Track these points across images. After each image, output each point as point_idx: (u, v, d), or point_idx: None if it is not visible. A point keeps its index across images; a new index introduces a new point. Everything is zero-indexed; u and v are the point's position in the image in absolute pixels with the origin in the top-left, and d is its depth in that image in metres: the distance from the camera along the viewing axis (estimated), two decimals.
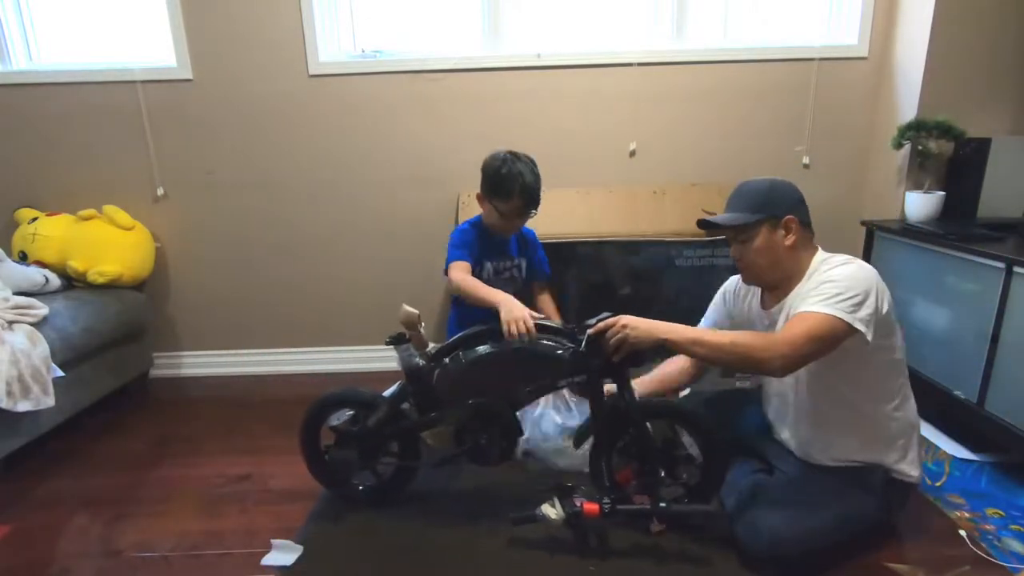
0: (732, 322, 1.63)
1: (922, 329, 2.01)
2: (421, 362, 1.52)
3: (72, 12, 2.46)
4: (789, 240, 1.38)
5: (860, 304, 1.25)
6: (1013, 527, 1.53)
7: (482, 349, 1.48)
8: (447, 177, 2.49)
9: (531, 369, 1.49)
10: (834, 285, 1.28)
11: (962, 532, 1.51)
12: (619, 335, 1.36)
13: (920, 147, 2.16)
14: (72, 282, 2.30)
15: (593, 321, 1.40)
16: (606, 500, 1.39)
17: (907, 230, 2.10)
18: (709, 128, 2.47)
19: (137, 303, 2.43)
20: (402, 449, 1.61)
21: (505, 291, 1.63)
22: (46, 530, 1.63)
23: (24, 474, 1.88)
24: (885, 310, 1.30)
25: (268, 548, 1.50)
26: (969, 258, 1.80)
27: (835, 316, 1.24)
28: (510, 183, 1.73)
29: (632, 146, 2.49)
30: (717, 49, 2.41)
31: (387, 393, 1.60)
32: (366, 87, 2.42)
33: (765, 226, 1.38)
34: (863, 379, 1.37)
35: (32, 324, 1.90)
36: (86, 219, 2.35)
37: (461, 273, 1.75)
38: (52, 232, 2.31)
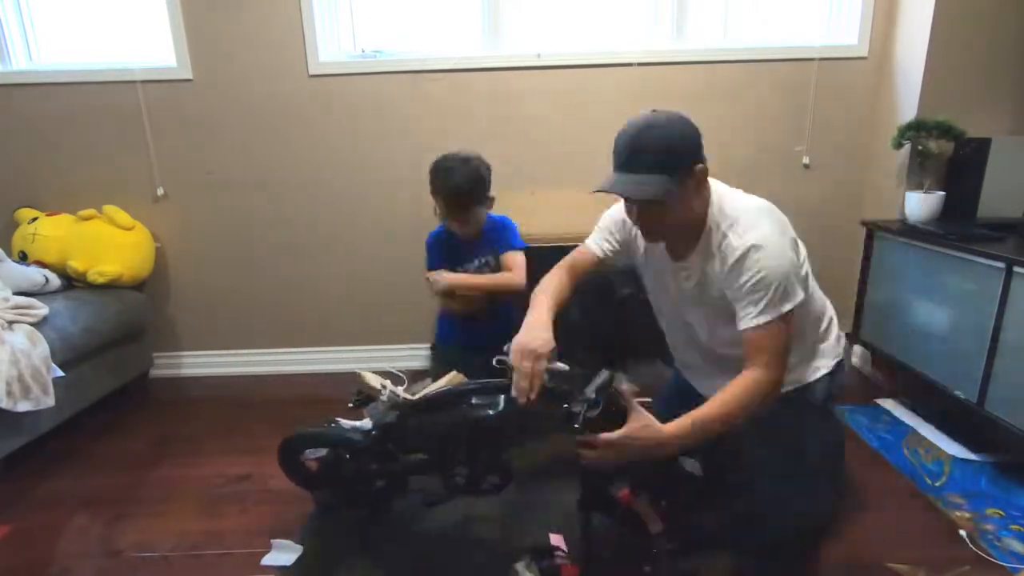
0: (627, 259, 1.52)
1: (922, 329, 2.01)
2: (391, 419, 1.40)
3: (72, 12, 2.46)
4: (698, 189, 1.28)
5: (793, 287, 1.24)
6: (1013, 527, 1.53)
7: (463, 417, 1.32)
8: None
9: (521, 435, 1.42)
10: (765, 283, 1.21)
11: (962, 532, 1.51)
12: (602, 458, 1.16)
13: (920, 147, 2.16)
14: (72, 282, 2.30)
15: (592, 389, 1.15)
16: (593, 555, 1.30)
17: (907, 230, 2.10)
18: (709, 128, 2.43)
19: (137, 303, 2.43)
20: (388, 483, 1.52)
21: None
22: (46, 530, 1.63)
23: (24, 474, 1.88)
24: (801, 250, 1.33)
25: (268, 548, 1.50)
26: (969, 258, 1.80)
27: (781, 316, 1.22)
28: (436, 181, 1.78)
29: None
30: (717, 49, 2.41)
31: (358, 424, 1.47)
32: (366, 87, 2.42)
33: (678, 187, 1.23)
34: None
35: (32, 324, 1.90)
36: (86, 219, 2.35)
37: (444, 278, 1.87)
38: (52, 232, 2.31)
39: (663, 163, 1.22)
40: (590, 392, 1.15)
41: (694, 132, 1.29)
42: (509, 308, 1.87)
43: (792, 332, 1.25)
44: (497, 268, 1.94)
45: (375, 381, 1.36)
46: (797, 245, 1.30)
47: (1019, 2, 2.12)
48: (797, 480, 1.28)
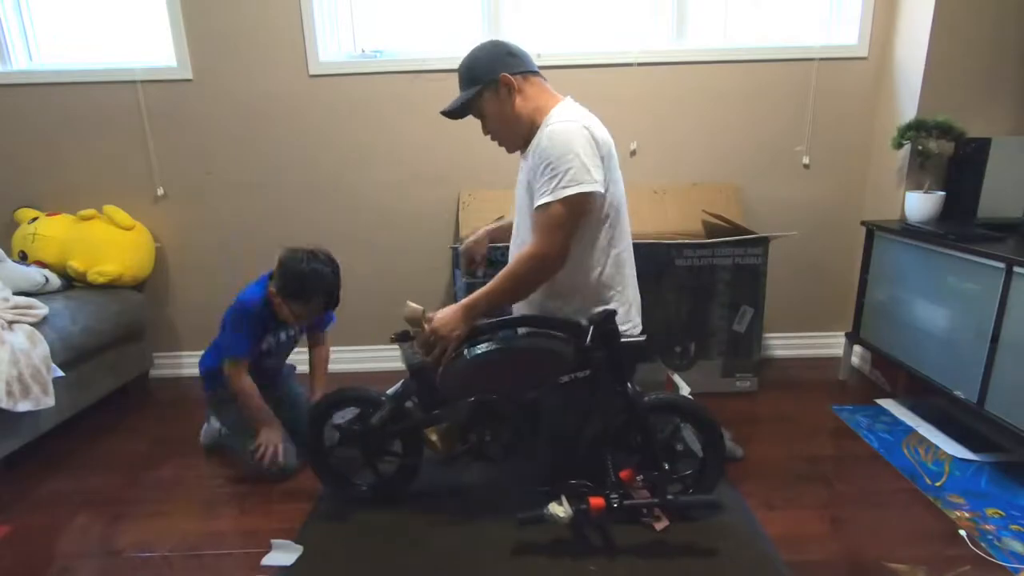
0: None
1: (922, 329, 2.01)
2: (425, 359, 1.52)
3: (72, 12, 2.46)
4: (514, 96, 1.41)
5: (579, 173, 1.31)
6: (1013, 527, 1.53)
7: (484, 346, 1.48)
8: (448, 177, 2.49)
9: (534, 365, 1.49)
10: (545, 164, 1.33)
11: (962, 532, 1.51)
12: (432, 341, 1.41)
13: (920, 147, 2.16)
14: (72, 282, 2.30)
15: (598, 311, 1.41)
16: (613, 495, 1.39)
17: (907, 230, 2.10)
18: (709, 128, 2.48)
19: (137, 303, 2.43)
20: (405, 447, 1.61)
21: (278, 358, 1.94)
22: (46, 530, 1.63)
23: (24, 474, 1.88)
24: (601, 151, 1.39)
25: (268, 548, 1.50)
26: (969, 258, 1.80)
27: (562, 200, 1.31)
28: (311, 284, 1.73)
29: (632, 146, 2.49)
30: (717, 49, 2.41)
31: (390, 392, 1.60)
32: (366, 87, 2.42)
33: (485, 95, 1.42)
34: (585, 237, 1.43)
35: (32, 324, 1.89)
36: (86, 219, 2.35)
37: (244, 380, 1.78)
38: (52, 232, 2.31)
39: (470, 79, 1.45)
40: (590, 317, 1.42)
41: (497, 49, 1.45)
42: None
43: (574, 219, 1.34)
44: (295, 339, 1.99)
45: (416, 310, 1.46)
46: (594, 140, 1.38)
47: (1019, 2, 2.12)
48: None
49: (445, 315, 1.40)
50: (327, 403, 1.64)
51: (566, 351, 1.44)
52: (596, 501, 1.39)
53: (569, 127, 1.36)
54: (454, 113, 1.49)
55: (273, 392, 1.94)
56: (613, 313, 1.41)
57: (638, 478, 1.47)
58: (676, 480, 1.50)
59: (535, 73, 1.46)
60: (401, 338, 1.52)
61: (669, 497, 1.41)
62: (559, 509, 1.39)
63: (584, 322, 1.42)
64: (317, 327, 2.02)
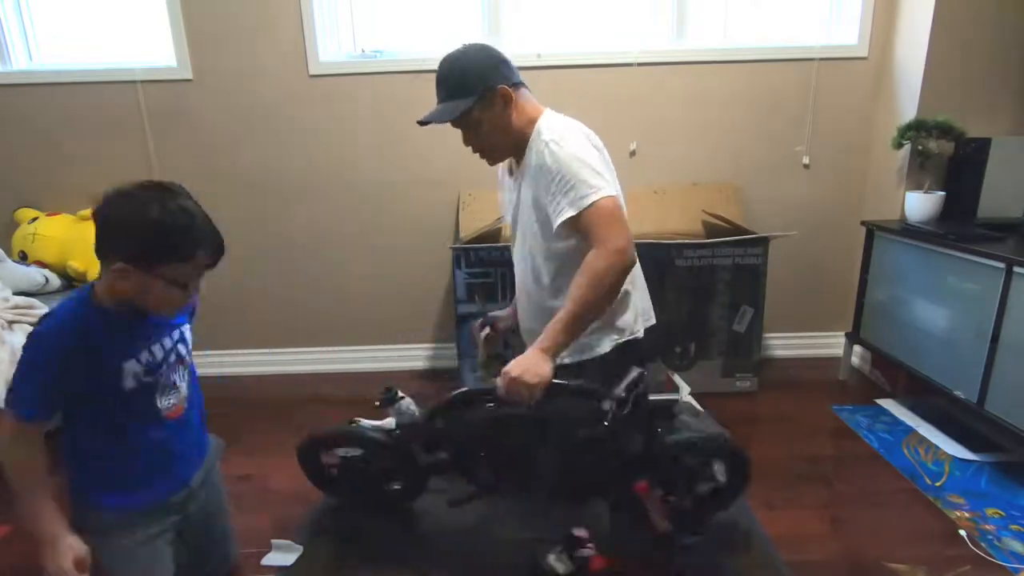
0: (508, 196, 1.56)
1: (922, 329, 2.01)
2: (418, 414, 1.35)
3: (72, 12, 2.46)
4: (508, 109, 1.33)
5: (595, 174, 1.25)
6: (1013, 527, 1.53)
7: (480, 419, 1.31)
8: (448, 176, 2.49)
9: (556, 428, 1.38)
10: (561, 177, 1.25)
11: (962, 532, 1.51)
12: (514, 393, 1.19)
13: (920, 147, 2.16)
14: (72, 282, 2.30)
15: (622, 388, 1.16)
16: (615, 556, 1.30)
17: (907, 230, 2.10)
18: (709, 128, 2.47)
19: None
20: (406, 484, 1.52)
21: (176, 390, 1.13)
22: None
23: None
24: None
25: (268, 548, 1.50)
26: (969, 258, 1.80)
27: (594, 204, 1.22)
28: (188, 229, 1.08)
29: (632, 146, 2.49)
30: (717, 49, 2.41)
31: (380, 424, 1.40)
32: (366, 87, 2.42)
33: (479, 107, 1.32)
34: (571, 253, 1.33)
35: (32, 324, 1.89)
36: (86, 219, 2.35)
37: (22, 449, 0.99)
38: (52, 232, 2.31)
39: (461, 88, 1.33)
40: (620, 391, 1.15)
41: (490, 58, 1.34)
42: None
43: (616, 208, 1.26)
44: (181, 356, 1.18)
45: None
46: (591, 144, 1.32)
47: (1019, 2, 2.12)
48: None
49: (524, 363, 1.20)
50: (311, 443, 1.43)
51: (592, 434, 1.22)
52: (597, 562, 1.25)
53: (569, 137, 1.30)
54: (435, 119, 1.40)
55: (174, 491, 1.17)
56: (642, 373, 1.20)
57: (653, 494, 1.40)
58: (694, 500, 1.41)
59: (522, 83, 1.39)
60: (390, 400, 1.34)
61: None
62: (559, 565, 1.25)
63: (608, 399, 1.18)
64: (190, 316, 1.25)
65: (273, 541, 1.50)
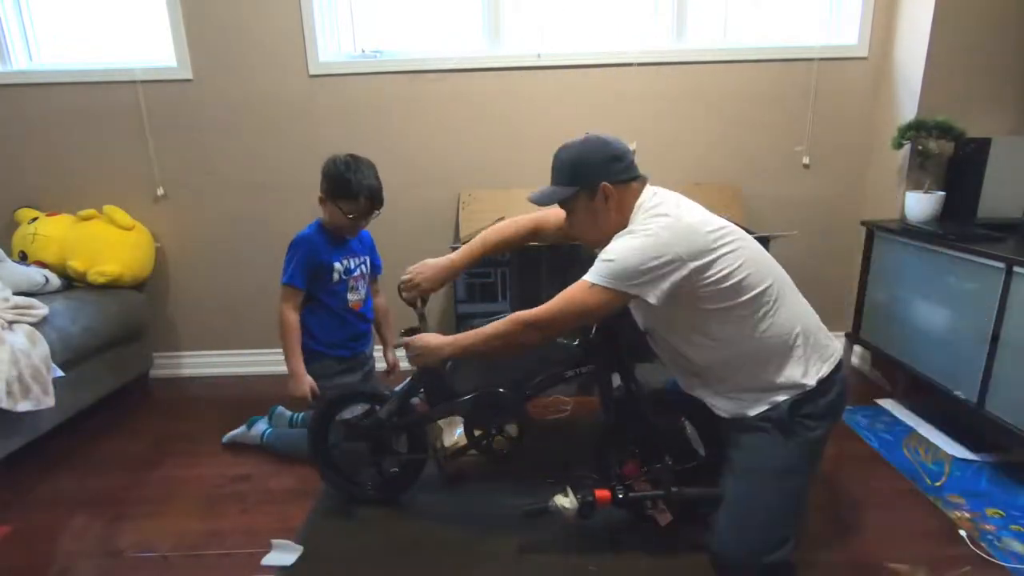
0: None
1: (922, 329, 2.01)
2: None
3: (72, 12, 2.46)
4: (610, 204, 1.37)
5: (630, 275, 1.27)
6: (1013, 527, 1.53)
7: None
8: (447, 176, 2.49)
9: (539, 359, 1.50)
10: (609, 254, 1.31)
11: (962, 532, 1.51)
12: (411, 356, 1.50)
13: (920, 147, 2.16)
14: (72, 282, 2.30)
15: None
16: (619, 486, 1.39)
17: (907, 230, 2.10)
18: (709, 128, 2.47)
19: (137, 303, 2.43)
20: (411, 443, 1.62)
21: (357, 291, 1.90)
22: (46, 530, 1.63)
23: (24, 474, 1.88)
24: (692, 271, 1.27)
25: (268, 548, 1.50)
26: (969, 258, 1.80)
27: (592, 285, 1.29)
28: (356, 185, 1.77)
29: (632, 146, 2.46)
30: (717, 49, 2.41)
31: (398, 388, 1.63)
32: (366, 87, 2.42)
33: (581, 197, 1.38)
34: (712, 330, 1.34)
35: (32, 324, 1.89)
36: (86, 219, 2.35)
37: (289, 313, 1.81)
38: (52, 232, 2.31)
39: (567, 177, 1.39)
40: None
41: (601, 152, 1.39)
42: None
43: (594, 309, 1.30)
44: (370, 271, 1.99)
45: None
46: (678, 257, 1.26)
47: (1019, 2, 2.12)
48: (751, 515, 1.32)
49: (431, 340, 1.48)
50: (334, 398, 1.65)
51: (569, 345, 1.46)
52: (602, 493, 1.39)
53: (649, 245, 1.28)
54: (537, 201, 1.45)
55: (355, 354, 1.93)
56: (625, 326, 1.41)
57: (643, 470, 1.47)
58: (677, 475, 1.50)
59: (635, 178, 1.40)
60: (410, 333, 1.54)
61: (674, 489, 1.41)
62: (564, 501, 1.39)
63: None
64: (376, 266, 2.02)
65: (273, 541, 1.51)
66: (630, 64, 2.39)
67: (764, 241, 2.16)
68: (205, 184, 2.52)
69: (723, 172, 2.50)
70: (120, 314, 2.29)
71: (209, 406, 2.40)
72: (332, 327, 1.87)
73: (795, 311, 1.38)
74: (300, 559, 1.46)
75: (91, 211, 2.36)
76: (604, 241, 1.39)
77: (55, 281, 2.22)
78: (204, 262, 2.59)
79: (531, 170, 2.50)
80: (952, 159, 2.19)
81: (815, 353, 1.37)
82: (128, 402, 2.40)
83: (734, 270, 1.28)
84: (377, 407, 1.61)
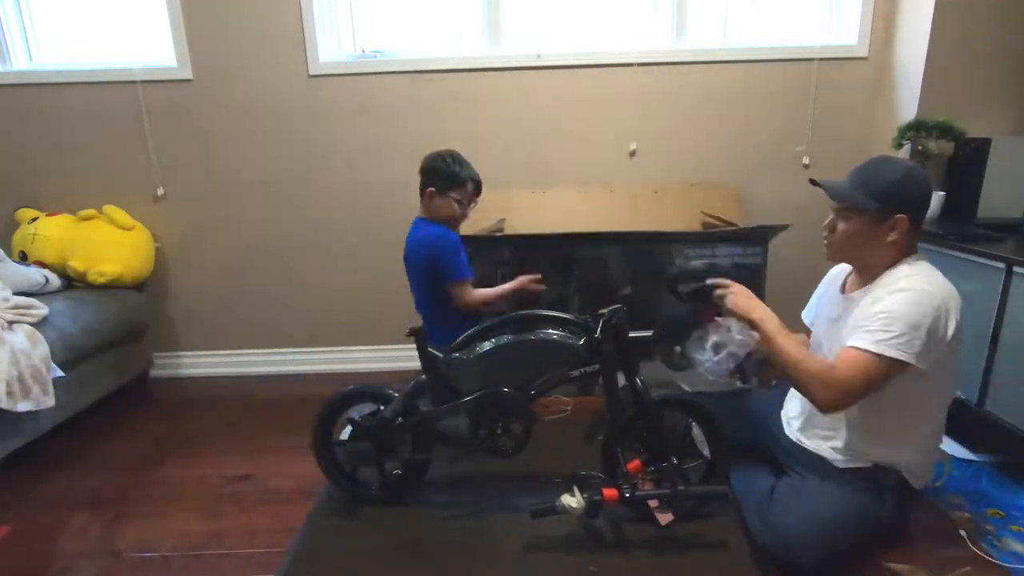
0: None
1: None
2: (438, 354, 1.54)
3: (72, 12, 2.46)
4: (891, 237, 1.31)
5: (910, 339, 1.23)
6: (1013, 527, 1.52)
7: (495, 340, 1.50)
8: None
9: (545, 358, 1.50)
10: (887, 318, 1.24)
11: (962, 532, 1.50)
12: (722, 293, 1.43)
13: (920, 147, 2.16)
14: (72, 282, 2.30)
15: (605, 312, 1.43)
16: (625, 485, 1.39)
17: None
18: (709, 128, 2.48)
19: (137, 303, 2.43)
20: (416, 443, 1.62)
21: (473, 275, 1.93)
22: (46, 530, 1.63)
23: (24, 474, 1.88)
24: (948, 334, 1.26)
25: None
26: (969, 258, 1.80)
27: (884, 355, 1.23)
28: (463, 173, 1.86)
29: (632, 146, 2.49)
30: (717, 49, 2.41)
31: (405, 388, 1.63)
32: (366, 87, 2.42)
33: (872, 215, 1.31)
34: (906, 398, 1.34)
35: (32, 324, 1.90)
36: (86, 219, 2.35)
37: (476, 293, 1.88)
38: (52, 232, 2.31)
39: (877, 192, 1.31)
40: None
41: (921, 188, 1.33)
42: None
43: (879, 382, 1.26)
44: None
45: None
46: (948, 317, 1.26)
47: (1019, 2, 2.12)
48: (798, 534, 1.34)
49: (746, 295, 1.42)
50: (340, 398, 1.64)
51: (575, 345, 1.45)
52: (609, 492, 1.39)
53: (934, 303, 1.25)
54: (834, 195, 1.38)
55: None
56: (621, 307, 1.42)
57: (648, 469, 1.48)
58: (683, 475, 1.50)
59: (920, 228, 1.35)
60: (416, 332, 1.54)
61: (680, 488, 1.41)
62: (572, 500, 1.39)
63: (591, 318, 1.43)
64: None
65: None
66: (630, 64, 2.39)
67: (764, 240, 2.16)
68: (205, 184, 2.52)
69: (723, 172, 2.50)
70: (120, 314, 2.29)
71: (209, 406, 2.40)
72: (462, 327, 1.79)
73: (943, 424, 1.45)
74: (300, 559, 1.46)
75: (91, 211, 2.36)
76: (853, 262, 1.42)
77: (55, 281, 2.22)
78: (204, 262, 2.59)
79: (531, 170, 2.50)
80: (952, 159, 2.19)
81: (931, 459, 1.44)
82: (128, 402, 2.40)
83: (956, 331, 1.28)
84: (382, 407, 1.60)
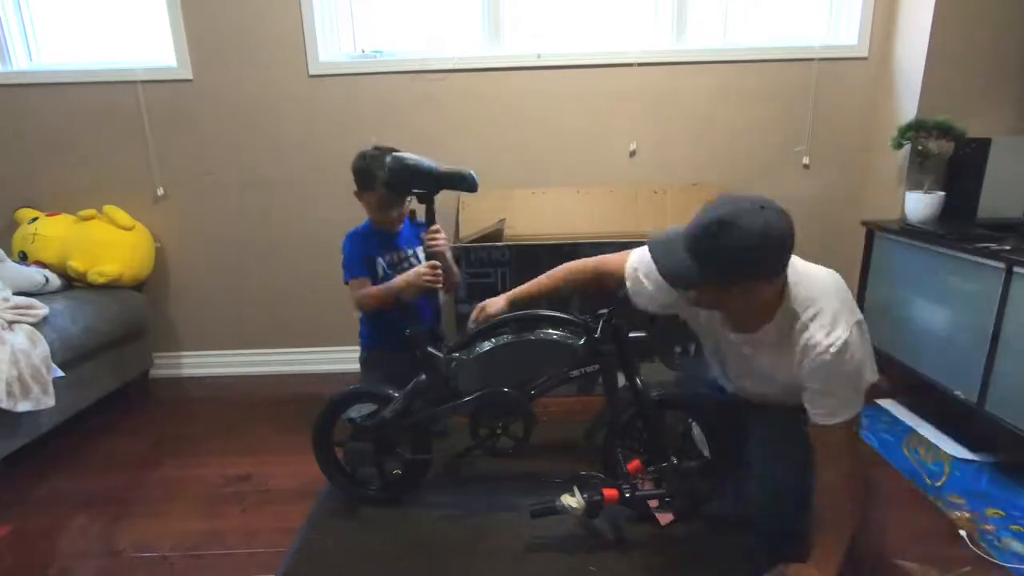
0: (664, 310, 1.43)
1: (922, 329, 2.01)
2: (438, 354, 1.54)
3: (72, 12, 2.46)
4: (771, 290, 1.21)
5: (860, 398, 1.22)
6: (1013, 527, 1.53)
7: (495, 340, 1.50)
8: None
9: (545, 359, 1.50)
10: (841, 390, 1.20)
11: (962, 532, 1.51)
12: None
13: (920, 147, 2.16)
14: (72, 282, 2.30)
15: (605, 312, 1.42)
16: (625, 485, 1.39)
17: (907, 230, 2.10)
18: (709, 128, 2.47)
19: (137, 303, 2.43)
20: (415, 443, 1.62)
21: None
22: (46, 530, 1.63)
23: (24, 474, 1.88)
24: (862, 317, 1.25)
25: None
26: (969, 258, 1.80)
27: (848, 420, 1.21)
28: (370, 175, 1.75)
29: (632, 146, 2.49)
30: (717, 49, 2.41)
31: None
32: (366, 87, 2.42)
33: (739, 286, 1.17)
34: None
35: (32, 324, 1.89)
36: (86, 219, 2.35)
37: (360, 293, 1.79)
38: (52, 232, 2.31)
39: (736, 271, 1.13)
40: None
41: (784, 242, 1.11)
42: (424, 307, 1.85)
43: (853, 435, 1.26)
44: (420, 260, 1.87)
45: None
46: (864, 331, 1.22)
47: (1019, 2, 2.12)
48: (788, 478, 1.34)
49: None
50: (339, 398, 1.64)
51: (575, 345, 1.46)
52: (610, 492, 1.39)
53: (855, 347, 1.18)
54: (678, 287, 1.24)
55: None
56: (620, 307, 1.41)
57: (648, 469, 1.48)
58: (682, 475, 1.50)
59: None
60: (414, 333, 1.53)
61: (680, 488, 1.42)
62: (572, 500, 1.39)
63: (591, 318, 1.43)
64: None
65: None
66: (630, 64, 2.39)
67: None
68: (205, 184, 2.52)
69: (723, 172, 2.49)
70: (120, 314, 2.29)
71: (209, 406, 2.40)
72: (384, 323, 1.84)
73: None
74: (300, 559, 1.46)
75: (91, 211, 2.36)
76: (747, 318, 1.28)
77: (55, 281, 2.22)
78: (204, 262, 2.59)
79: (531, 170, 2.50)
80: (952, 159, 2.19)
81: None
82: (128, 402, 2.40)
83: None
84: (384, 407, 1.61)
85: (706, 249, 1.12)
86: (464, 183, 1.59)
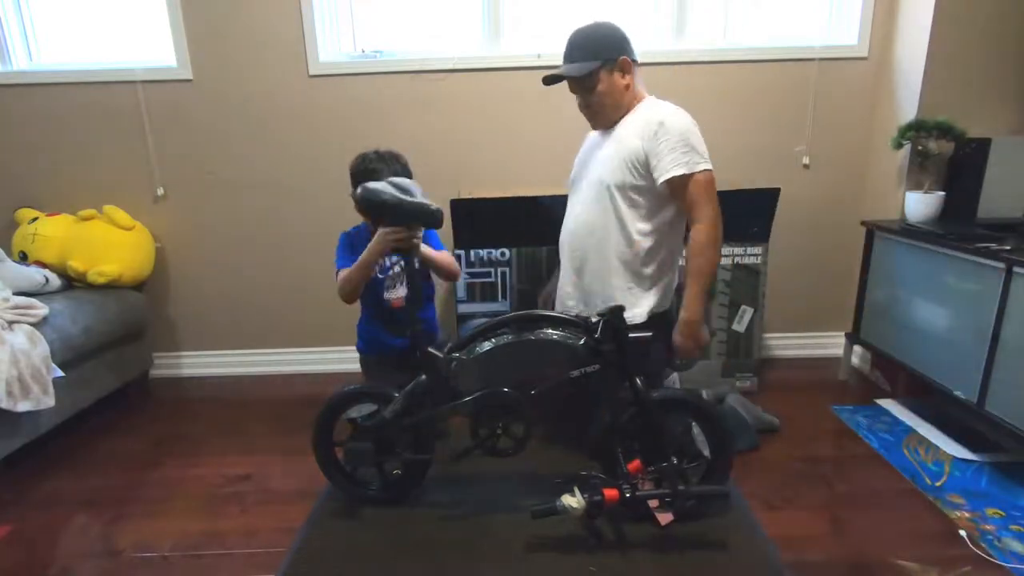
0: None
1: (922, 329, 2.01)
2: (438, 354, 1.54)
3: (72, 12, 2.46)
4: (626, 80, 1.51)
5: (702, 150, 1.50)
6: (1013, 527, 1.53)
7: (495, 340, 1.50)
8: (447, 177, 2.49)
9: (545, 358, 1.51)
10: (685, 143, 1.47)
11: (962, 532, 1.51)
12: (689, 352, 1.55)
13: (920, 147, 2.16)
14: (72, 282, 2.30)
15: (605, 311, 1.42)
16: (625, 485, 1.39)
17: (907, 230, 2.10)
18: (709, 128, 2.43)
19: (137, 303, 2.43)
20: (417, 443, 1.62)
21: (396, 286, 1.84)
22: (46, 530, 1.63)
23: (24, 474, 1.88)
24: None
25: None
26: (969, 258, 1.80)
27: (707, 169, 1.48)
28: (355, 185, 1.68)
29: None
30: (717, 49, 2.41)
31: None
32: (366, 87, 2.42)
33: (603, 70, 1.49)
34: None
35: (32, 324, 1.89)
36: (86, 219, 2.35)
37: (339, 280, 1.76)
38: (52, 232, 2.31)
39: (590, 52, 1.50)
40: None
41: (618, 31, 1.53)
42: (431, 312, 1.92)
43: (713, 183, 1.49)
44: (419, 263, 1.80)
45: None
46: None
47: (1019, 2, 2.13)
48: None
49: (683, 341, 1.52)
50: (339, 398, 1.64)
51: (576, 345, 1.46)
52: (610, 492, 1.39)
53: (686, 115, 1.53)
54: (558, 80, 1.55)
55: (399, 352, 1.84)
56: (621, 308, 1.42)
57: (648, 469, 1.48)
58: (682, 475, 1.50)
59: (635, 62, 1.55)
60: (414, 333, 1.54)
61: (681, 488, 1.42)
62: (572, 500, 1.39)
63: (593, 318, 1.43)
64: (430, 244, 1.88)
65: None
66: None
67: (764, 241, 2.16)
68: (205, 184, 2.52)
69: (723, 172, 2.45)
70: (120, 314, 2.29)
71: (209, 406, 2.40)
72: (373, 325, 1.85)
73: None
74: (300, 559, 1.46)
75: (91, 211, 2.36)
76: (617, 120, 1.54)
77: (55, 281, 2.22)
78: (204, 262, 2.59)
79: (531, 170, 2.50)
80: (952, 159, 2.19)
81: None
82: (128, 402, 2.40)
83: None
84: (385, 406, 1.61)
85: (572, 46, 1.52)
86: (430, 219, 1.51)
